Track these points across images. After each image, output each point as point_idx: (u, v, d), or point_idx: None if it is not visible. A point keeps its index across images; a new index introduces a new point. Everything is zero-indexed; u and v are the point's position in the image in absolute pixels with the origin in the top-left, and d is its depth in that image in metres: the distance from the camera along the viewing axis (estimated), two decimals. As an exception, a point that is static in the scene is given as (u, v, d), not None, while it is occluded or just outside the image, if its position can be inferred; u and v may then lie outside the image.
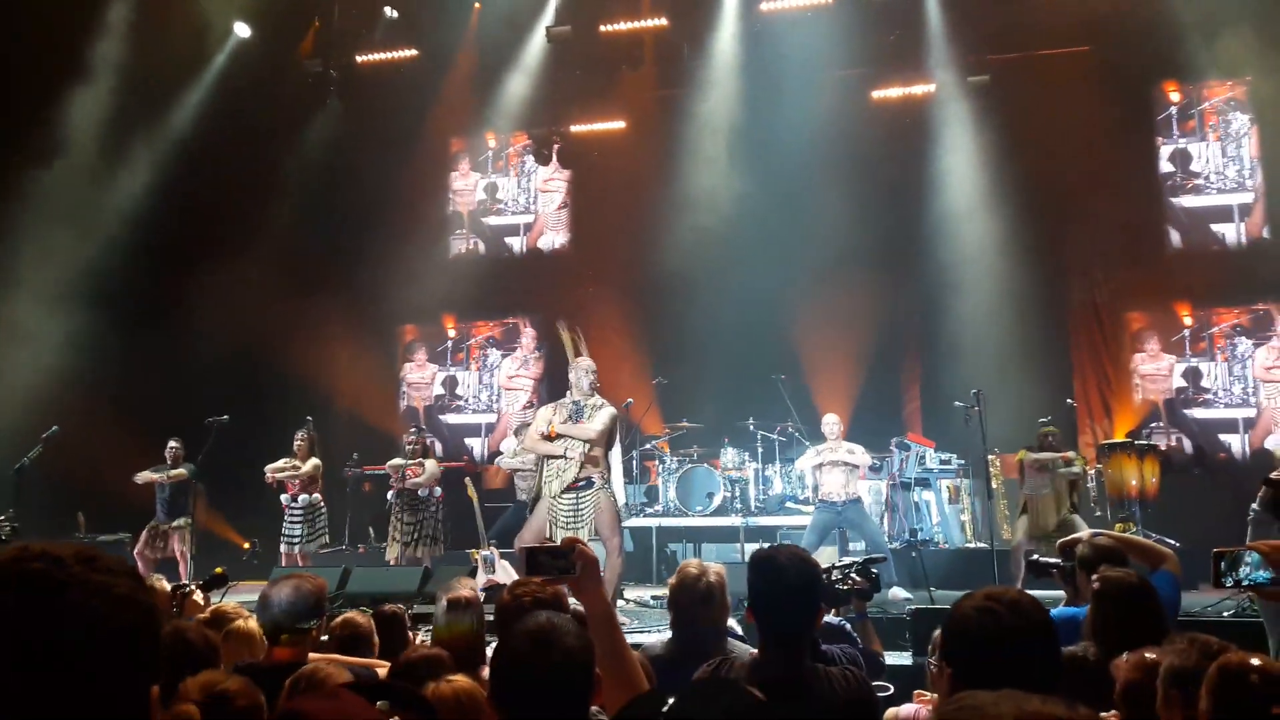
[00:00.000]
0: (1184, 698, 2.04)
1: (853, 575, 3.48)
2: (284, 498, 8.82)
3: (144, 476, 8.92)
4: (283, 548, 8.77)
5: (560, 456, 6.78)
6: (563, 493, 6.75)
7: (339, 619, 3.54)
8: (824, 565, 4.05)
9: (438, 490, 8.72)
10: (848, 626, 3.54)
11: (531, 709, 1.80)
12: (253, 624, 3.29)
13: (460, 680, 2.26)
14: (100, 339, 10.18)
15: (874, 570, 3.53)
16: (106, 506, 9.66)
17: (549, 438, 6.86)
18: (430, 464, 8.74)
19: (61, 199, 10.44)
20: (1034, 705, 0.84)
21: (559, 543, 2.25)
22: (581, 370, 7.01)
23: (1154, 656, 2.29)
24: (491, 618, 3.10)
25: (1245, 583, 2.35)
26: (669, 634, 3.34)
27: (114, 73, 10.64)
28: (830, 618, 3.77)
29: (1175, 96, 11.82)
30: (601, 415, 6.83)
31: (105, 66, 10.62)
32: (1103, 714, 2.27)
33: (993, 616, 1.83)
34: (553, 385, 11.92)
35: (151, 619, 0.96)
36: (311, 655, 3.09)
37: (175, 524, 8.78)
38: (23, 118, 10.27)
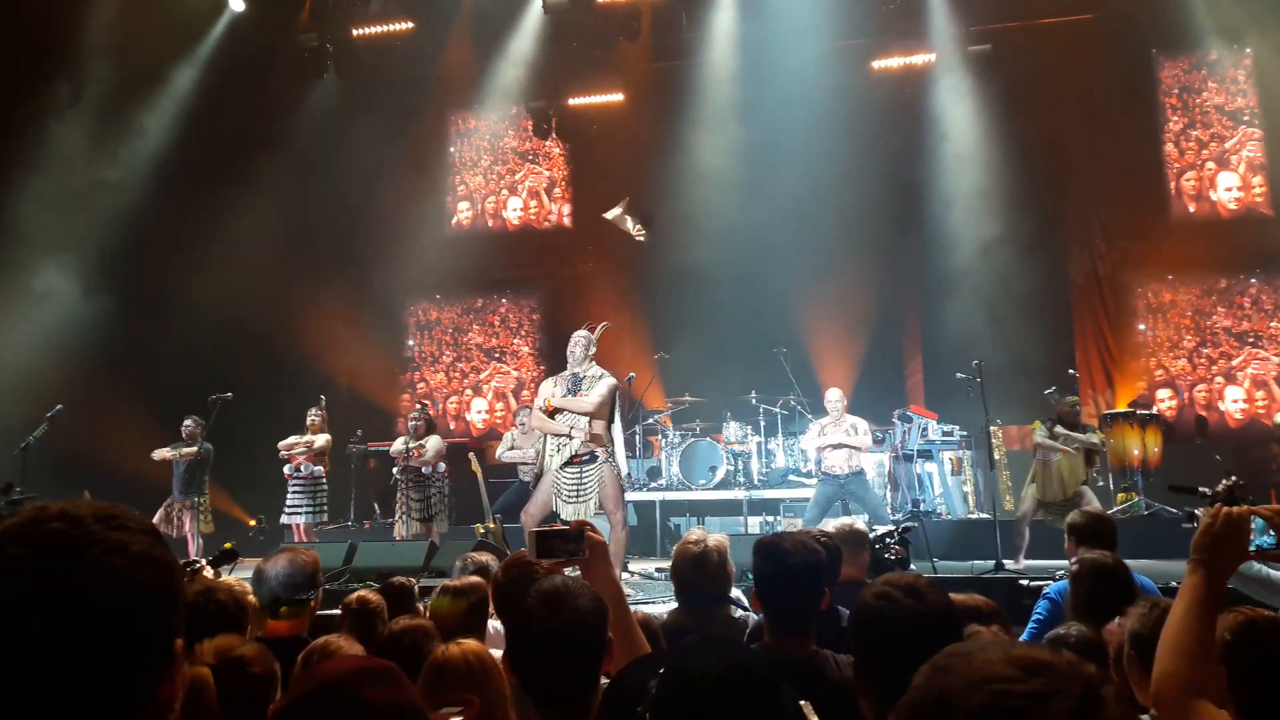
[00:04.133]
0: (1140, 657, 2.12)
1: (894, 545, 3.51)
2: (286, 468, 8.85)
3: (160, 453, 9.01)
4: (284, 519, 8.82)
5: (565, 436, 6.79)
6: (565, 466, 6.77)
7: (353, 595, 3.53)
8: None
9: (442, 466, 8.73)
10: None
11: (544, 668, 1.84)
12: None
13: (469, 642, 2.27)
14: (100, 316, 10.19)
15: (908, 538, 3.57)
16: (112, 484, 9.64)
17: (548, 413, 6.87)
18: (433, 441, 8.74)
19: (57, 174, 10.40)
20: (1020, 650, 0.87)
21: (568, 525, 2.26)
22: (575, 339, 7.01)
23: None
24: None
25: (1251, 548, 2.35)
26: (674, 605, 3.37)
27: (107, 50, 10.56)
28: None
29: (1176, 62, 11.73)
30: (599, 387, 6.83)
31: (98, 44, 10.55)
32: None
33: (889, 601, 1.86)
34: (550, 362, 11.91)
35: (170, 574, 0.96)
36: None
37: (190, 501, 8.84)
38: (17, 93, 10.20)
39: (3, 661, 0.87)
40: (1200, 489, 3.40)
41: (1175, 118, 11.70)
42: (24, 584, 0.88)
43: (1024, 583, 6.09)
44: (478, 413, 13.10)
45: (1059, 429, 7.92)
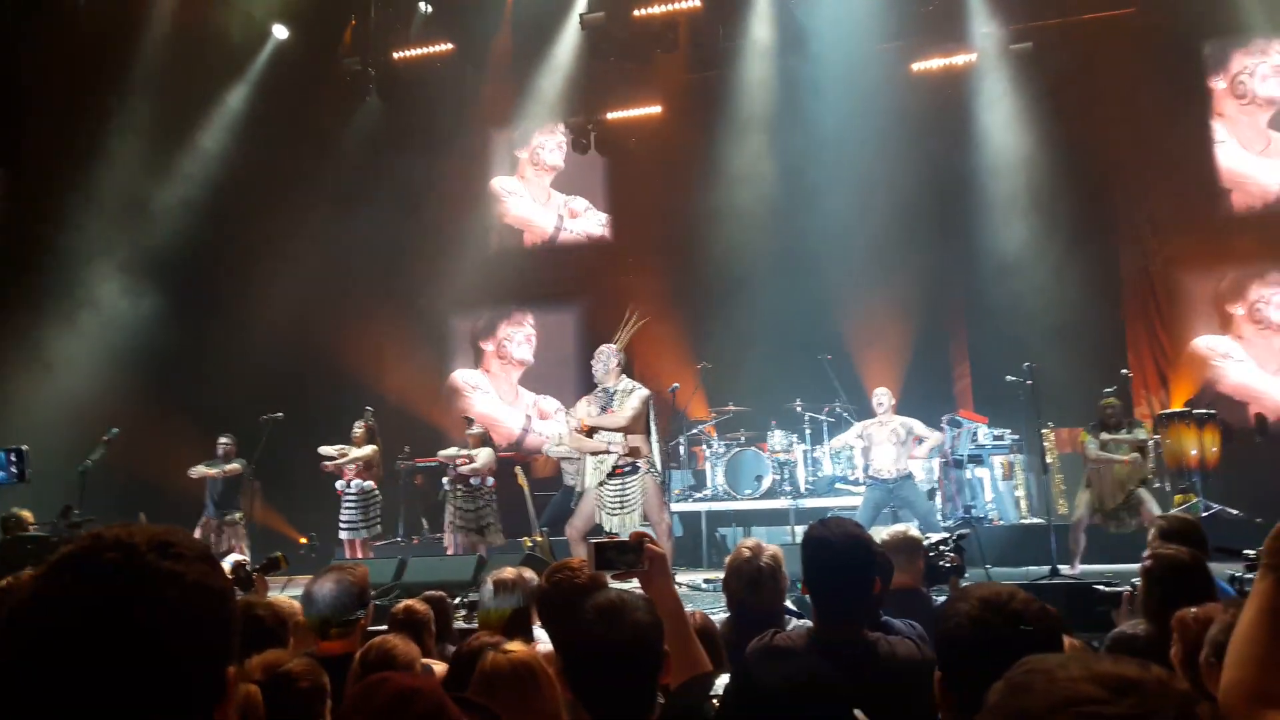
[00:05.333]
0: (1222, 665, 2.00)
1: (949, 553, 3.44)
2: (338, 484, 8.95)
3: (198, 471, 9.14)
4: (342, 535, 8.90)
5: (604, 452, 6.84)
6: (608, 478, 6.81)
7: (400, 605, 3.56)
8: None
9: (490, 480, 8.76)
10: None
11: (600, 681, 1.83)
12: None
13: (516, 650, 2.26)
14: (152, 337, 10.41)
15: (963, 545, 3.50)
16: (166, 504, 9.85)
17: (584, 432, 6.93)
18: (485, 452, 8.78)
19: (112, 193, 10.65)
20: (1104, 665, 0.81)
21: (626, 537, 2.25)
22: (597, 356, 7.07)
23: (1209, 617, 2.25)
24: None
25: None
26: (726, 614, 3.34)
27: (154, 79, 10.81)
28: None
29: (1224, 56, 11.47)
30: (631, 400, 6.87)
31: (146, 72, 10.81)
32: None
33: (987, 629, 1.72)
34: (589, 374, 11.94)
35: (225, 603, 0.97)
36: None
37: (227, 519, 8.96)
38: (66, 123, 10.47)
39: (57, 694, 0.87)
40: (1245, 551, 3.29)
41: (1223, 109, 11.43)
42: (78, 617, 0.89)
43: (1100, 588, 5.93)
44: (522, 429, 13.15)
45: (1104, 435, 7.78)
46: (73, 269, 10.38)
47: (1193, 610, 2.36)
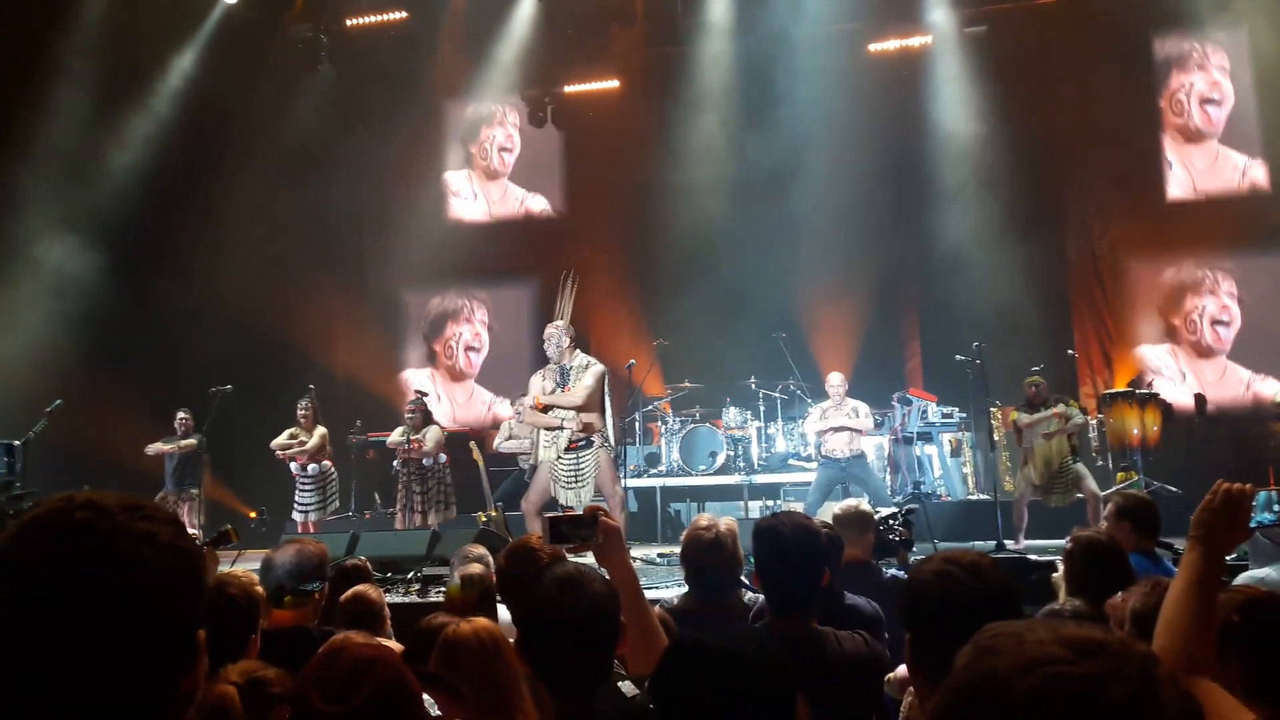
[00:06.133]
0: (1141, 636, 2.05)
1: (898, 527, 3.53)
2: (294, 467, 8.83)
3: (155, 448, 8.96)
4: (295, 516, 8.81)
5: (558, 428, 6.88)
6: (563, 452, 6.85)
7: (348, 593, 3.46)
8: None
9: (442, 457, 8.67)
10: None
11: (559, 654, 1.84)
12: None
13: (479, 620, 2.27)
14: (95, 308, 10.17)
15: (911, 520, 3.59)
16: (112, 478, 9.68)
17: (539, 409, 6.96)
18: (432, 431, 8.66)
19: (56, 157, 10.36)
20: (1070, 629, 0.83)
21: (580, 511, 2.26)
22: (547, 337, 7.08)
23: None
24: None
25: (1252, 524, 2.36)
26: (681, 589, 3.38)
27: (98, 44, 10.49)
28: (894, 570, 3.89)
29: (1172, 43, 11.69)
30: (586, 377, 6.89)
31: (89, 36, 10.48)
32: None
33: (950, 580, 1.78)
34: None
35: (195, 564, 0.97)
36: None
37: (184, 495, 8.82)
38: (8, 79, 10.14)
39: (32, 651, 0.87)
40: (1176, 546, 3.47)
41: (1171, 97, 11.67)
42: (53, 574, 0.88)
43: (1033, 558, 6.12)
44: (477, 402, 13.09)
45: (1027, 415, 7.96)
46: (11, 229, 10.07)
47: (1120, 594, 2.48)
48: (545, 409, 6.97)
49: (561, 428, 6.91)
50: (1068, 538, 3.30)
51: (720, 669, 1.46)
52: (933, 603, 1.78)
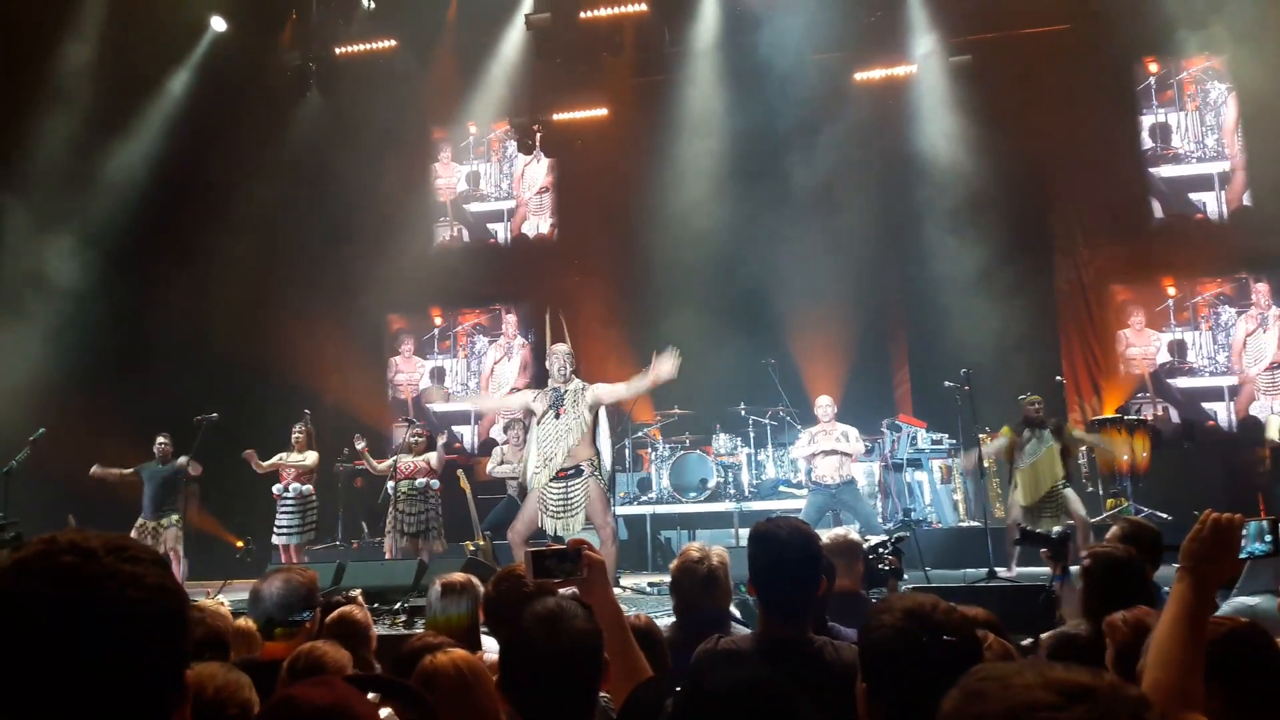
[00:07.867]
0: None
1: (888, 556, 3.48)
2: (276, 487, 8.76)
3: (98, 472, 8.81)
4: (275, 540, 8.72)
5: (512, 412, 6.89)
6: (551, 481, 6.77)
7: (333, 613, 3.46)
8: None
9: (435, 483, 8.63)
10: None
11: (541, 691, 1.80)
12: (247, 621, 3.24)
13: (458, 651, 2.23)
14: (82, 335, 10.11)
15: (901, 548, 3.54)
16: (96, 506, 9.56)
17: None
18: (434, 456, 8.69)
19: (44, 182, 10.33)
20: (1058, 672, 0.82)
21: (564, 544, 2.21)
22: (555, 357, 7.05)
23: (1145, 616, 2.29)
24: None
25: (1243, 555, 2.34)
26: (671, 619, 3.32)
27: (88, 72, 10.50)
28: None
29: (1154, 69, 11.84)
30: (580, 406, 6.86)
31: (79, 66, 10.49)
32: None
33: (905, 635, 1.72)
34: (538, 372, 11.89)
35: (182, 605, 0.96)
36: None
37: (163, 521, 8.70)
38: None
39: (22, 699, 0.85)
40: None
41: (1154, 124, 11.79)
42: (40, 618, 0.87)
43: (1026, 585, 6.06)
44: (467, 428, 13.04)
45: (1025, 433, 7.93)
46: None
47: (1121, 614, 2.41)
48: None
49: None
50: (1084, 553, 3.11)
51: (740, 711, 1.42)
52: (888, 658, 1.73)
